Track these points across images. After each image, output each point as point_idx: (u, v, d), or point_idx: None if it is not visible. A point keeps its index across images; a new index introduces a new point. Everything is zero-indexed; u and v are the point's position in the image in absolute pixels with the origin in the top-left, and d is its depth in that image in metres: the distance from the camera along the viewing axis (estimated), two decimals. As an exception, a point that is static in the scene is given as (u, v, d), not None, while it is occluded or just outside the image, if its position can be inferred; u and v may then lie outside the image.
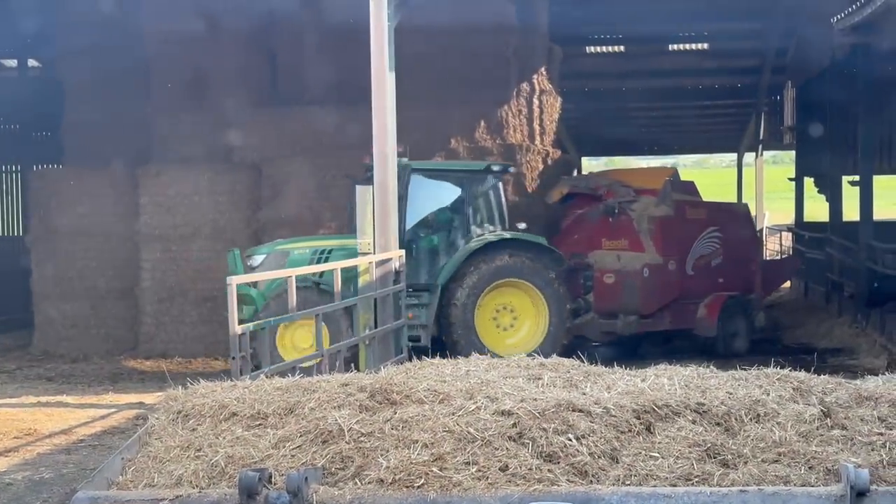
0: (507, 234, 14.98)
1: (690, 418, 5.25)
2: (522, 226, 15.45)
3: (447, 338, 14.24)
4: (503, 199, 15.36)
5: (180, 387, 6.08)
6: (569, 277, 15.27)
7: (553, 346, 14.13)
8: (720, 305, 16.39)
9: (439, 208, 15.12)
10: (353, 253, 12.43)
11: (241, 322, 9.34)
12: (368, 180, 12.74)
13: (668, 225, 16.39)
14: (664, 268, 16.18)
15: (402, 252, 12.70)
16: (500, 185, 15.42)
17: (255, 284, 13.41)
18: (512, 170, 15.92)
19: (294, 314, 10.23)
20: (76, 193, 18.30)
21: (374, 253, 12.03)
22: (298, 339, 13.31)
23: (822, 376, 6.04)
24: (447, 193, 15.17)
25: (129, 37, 18.32)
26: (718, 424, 5.23)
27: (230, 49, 18.22)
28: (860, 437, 5.14)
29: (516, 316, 14.83)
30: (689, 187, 17.62)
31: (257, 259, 14.15)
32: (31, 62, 25.06)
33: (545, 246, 15.04)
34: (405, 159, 14.62)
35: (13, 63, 25.44)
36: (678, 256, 16.35)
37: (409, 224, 14.59)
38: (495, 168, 15.31)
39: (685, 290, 16.31)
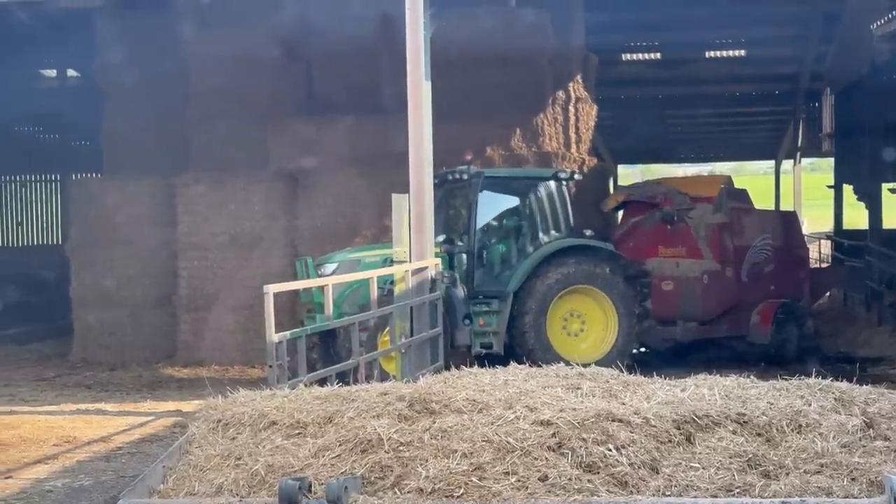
0: (576, 241, 14.94)
1: (731, 429, 5.22)
2: (589, 232, 15.40)
3: (520, 346, 14.15)
4: (569, 206, 15.29)
5: (220, 395, 6.11)
6: (626, 284, 15.22)
7: (622, 352, 14.15)
8: (773, 312, 16.33)
9: (509, 215, 15.16)
10: None
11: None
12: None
13: (725, 232, 16.39)
14: (722, 274, 16.20)
15: (439, 261, 12.69)
16: (567, 191, 15.35)
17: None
18: (578, 176, 15.88)
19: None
20: (115, 202, 18.41)
21: (410, 261, 12.05)
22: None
23: (864, 386, 6.00)
24: (516, 200, 15.21)
25: (168, 49, 18.47)
26: (759, 435, 5.20)
27: (268, 60, 18.30)
28: (903, 449, 5.09)
29: (585, 321, 14.77)
30: (742, 195, 17.56)
31: (329, 268, 14.10)
32: (71, 72, 25.28)
33: (613, 252, 15.04)
34: (474, 167, 14.65)
35: (53, 73, 25.68)
36: (734, 263, 16.36)
37: (479, 231, 14.67)
38: (562, 175, 15.28)
39: (741, 297, 16.29)
